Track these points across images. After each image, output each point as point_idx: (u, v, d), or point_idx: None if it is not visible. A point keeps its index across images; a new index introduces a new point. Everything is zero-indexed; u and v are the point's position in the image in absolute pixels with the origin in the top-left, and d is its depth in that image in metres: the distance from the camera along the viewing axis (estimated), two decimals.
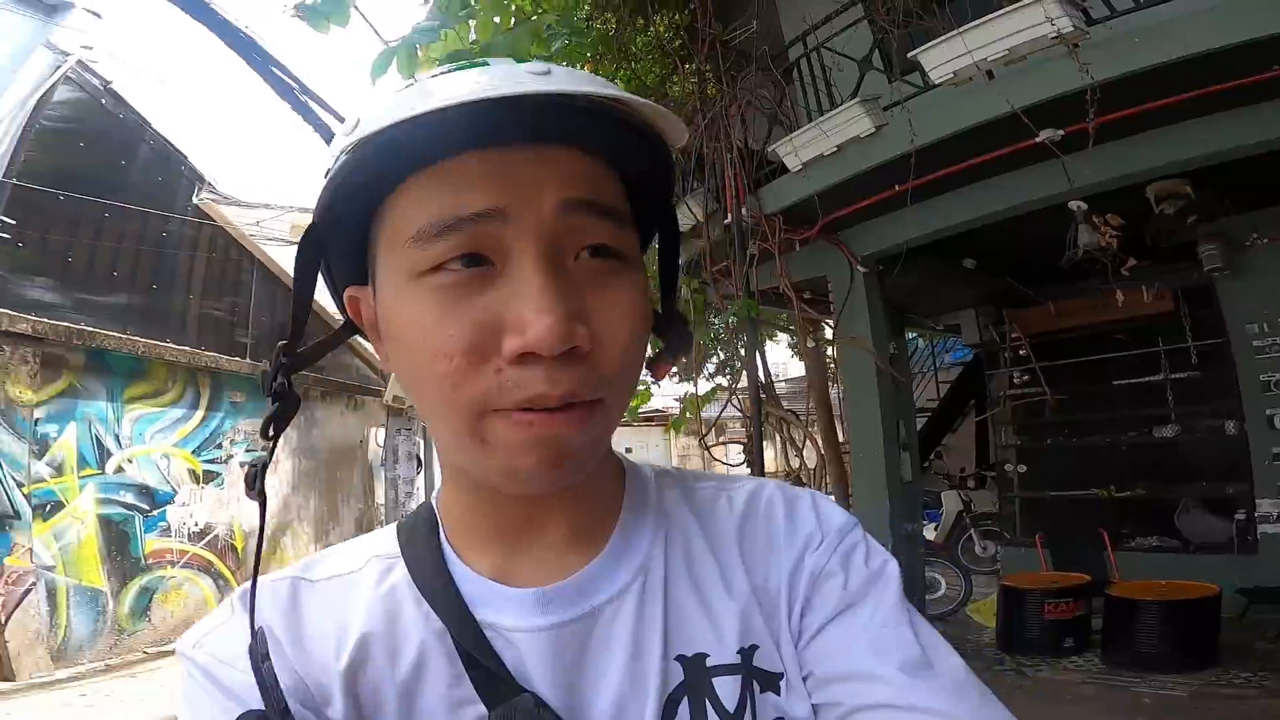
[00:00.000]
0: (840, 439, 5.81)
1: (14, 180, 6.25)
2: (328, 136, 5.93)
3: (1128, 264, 4.10)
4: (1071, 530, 5.86)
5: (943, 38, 3.26)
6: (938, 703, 0.45)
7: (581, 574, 0.50)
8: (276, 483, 7.96)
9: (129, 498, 6.57)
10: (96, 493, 6.29)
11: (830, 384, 6.83)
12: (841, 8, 4.11)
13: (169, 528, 6.83)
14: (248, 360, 7.75)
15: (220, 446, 7.47)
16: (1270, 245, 5.10)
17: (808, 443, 5.13)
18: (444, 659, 0.49)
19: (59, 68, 6.80)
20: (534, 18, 3.78)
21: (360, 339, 0.55)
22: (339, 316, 0.54)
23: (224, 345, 7.77)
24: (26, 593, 5.55)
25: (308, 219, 0.49)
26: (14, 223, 6.20)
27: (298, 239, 0.48)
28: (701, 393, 4.94)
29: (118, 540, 6.43)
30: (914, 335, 8.97)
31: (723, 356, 9.83)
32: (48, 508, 5.89)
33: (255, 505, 0.45)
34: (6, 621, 5.41)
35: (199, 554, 7.08)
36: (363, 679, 0.48)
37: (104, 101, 7.27)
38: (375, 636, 0.49)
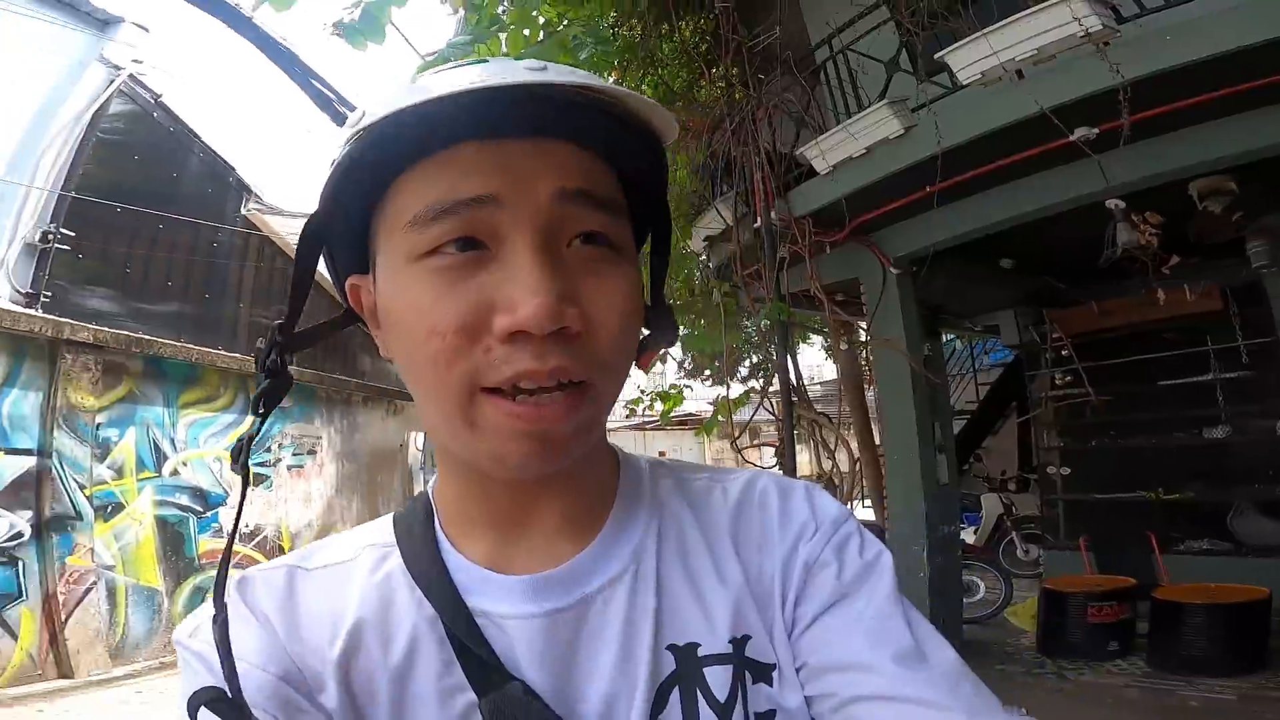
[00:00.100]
0: (876, 441, 5.76)
1: (73, 193, 6.39)
2: None
3: (1170, 262, 4.01)
4: (1117, 533, 5.71)
5: (968, 39, 3.25)
6: (931, 694, 0.45)
7: (574, 562, 0.51)
8: (321, 485, 8.17)
9: (184, 500, 6.77)
10: (154, 495, 6.49)
11: (866, 386, 6.78)
12: (866, 10, 4.09)
13: (221, 529, 7.01)
14: (294, 367, 7.92)
15: (269, 450, 7.64)
16: None
17: (841, 446, 5.10)
18: (435, 646, 0.49)
19: (113, 81, 6.84)
20: (560, 28, 3.86)
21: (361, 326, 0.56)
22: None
23: None
24: (87, 592, 5.68)
25: None
26: (74, 234, 6.36)
27: None
28: (734, 396, 4.96)
29: (173, 541, 6.62)
30: (952, 337, 8.82)
31: (756, 360, 9.81)
32: (108, 509, 6.09)
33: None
34: (67, 620, 5.52)
35: (249, 554, 7.23)
36: (356, 666, 0.49)
37: (155, 115, 7.36)
38: (368, 624, 0.50)
